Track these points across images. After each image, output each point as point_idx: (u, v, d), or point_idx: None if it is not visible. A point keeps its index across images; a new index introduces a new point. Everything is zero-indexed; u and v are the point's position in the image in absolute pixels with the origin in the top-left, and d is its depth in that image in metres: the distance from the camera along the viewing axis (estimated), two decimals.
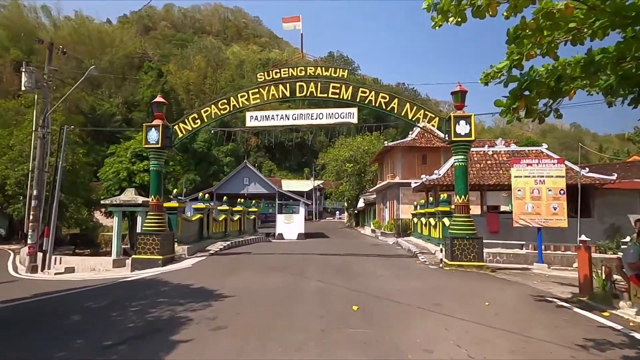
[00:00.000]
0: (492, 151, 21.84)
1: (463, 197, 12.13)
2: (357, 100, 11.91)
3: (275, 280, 9.58)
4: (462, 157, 12.02)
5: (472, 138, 11.63)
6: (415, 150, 32.07)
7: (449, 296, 8.23)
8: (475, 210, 22.40)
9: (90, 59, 68.45)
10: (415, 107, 12.03)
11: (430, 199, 21.09)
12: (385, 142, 38.05)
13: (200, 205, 16.11)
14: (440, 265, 10.86)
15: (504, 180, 19.99)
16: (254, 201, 24.90)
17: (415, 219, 21.71)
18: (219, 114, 13.50)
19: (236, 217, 20.42)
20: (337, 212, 74.13)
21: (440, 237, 15.21)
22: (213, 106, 12.74)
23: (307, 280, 9.53)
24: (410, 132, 35.64)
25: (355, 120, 11.86)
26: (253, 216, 23.66)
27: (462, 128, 11.29)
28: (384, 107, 11.97)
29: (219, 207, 19.14)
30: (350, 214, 60.11)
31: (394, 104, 11.65)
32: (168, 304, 7.47)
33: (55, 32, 71.23)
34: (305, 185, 74.54)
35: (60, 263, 14.77)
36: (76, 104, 55.45)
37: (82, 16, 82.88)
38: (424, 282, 9.19)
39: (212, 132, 65.07)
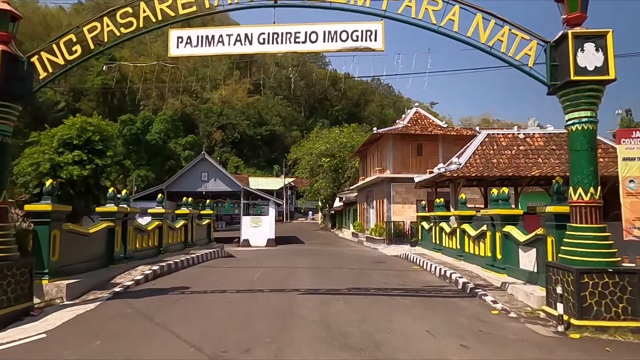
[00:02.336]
0: (524, 134, 16.72)
1: (590, 190, 6.00)
2: (385, 7, 6.19)
3: None
4: (588, 114, 5.91)
5: (611, 77, 5.97)
6: (408, 138, 26.76)
7: None
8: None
9: (32, 41, 59.80)
10: (493, 22, 6.23)
11: (441, 199, 15.71)
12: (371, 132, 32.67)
13: (110, 207, 9.95)
14: (559, 328, 5.24)
15: (547, 170, 14.87)
16: (208, 201, 18.58)
17: (426, 224, 16.25)
18: (118, 34, 7.39)
19: (178, 224, 14.30)
20: (310, 212, 68.39)
21: (487, 254, 9.75)
22: (107, 19, 6.63)
23: None
24: (399, 119, 30.33)
25: (378, 44, 6.14)
26: (207, 221, 17.51)
27: (587, 57, 5.81)
28: (433, 21, 6.33)
29: (150, 210, 13.01)
30: (325, 215, 54.47)
31: (453, 15, 6.05)
32: None
33: None
34: (275, 183, 68.31)
35: None
36: None
37: (25, 2, 73.40)
38: None
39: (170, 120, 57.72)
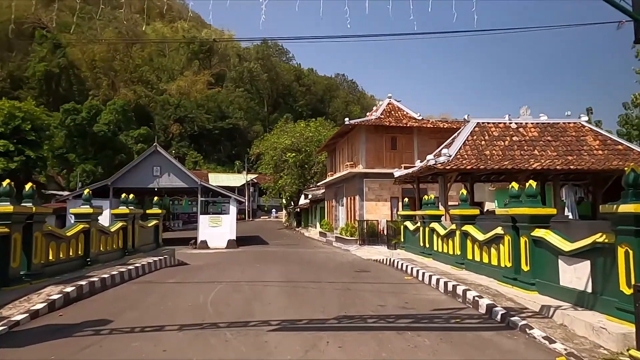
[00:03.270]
0: (517, 124, 15.08)
1: None
2: None
3: None
4: None
5: None
6: (382, 131, 24.85)
7: None
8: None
9: None
10: None
11: (431, 196, 13.76)
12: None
13: (4, 207, 7.09)
14: None
15: (546, 163, 13.26)
16: (155, 198, 15.60)
17: (410, 224, 14.26)
18: None
19: (114, 227, 11.49)
20: (274, 210, 65.67)
21: (504, 264, 7.79)
22: None
23: None
24: (372, 110, 28.40)
25: None
26: (154, 222, 14.67)
27: None
28: None
29: (73, 210, 10.18)
30: (290, 213, 52.03)
31: None
32: None
33: None
34: (237, 179, 65.03)
35: None
36: None
37: None
38: None
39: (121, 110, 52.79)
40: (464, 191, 10.03)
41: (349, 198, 26.63)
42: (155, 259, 12.07)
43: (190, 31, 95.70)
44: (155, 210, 14.95)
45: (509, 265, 7.70)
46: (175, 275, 10.50)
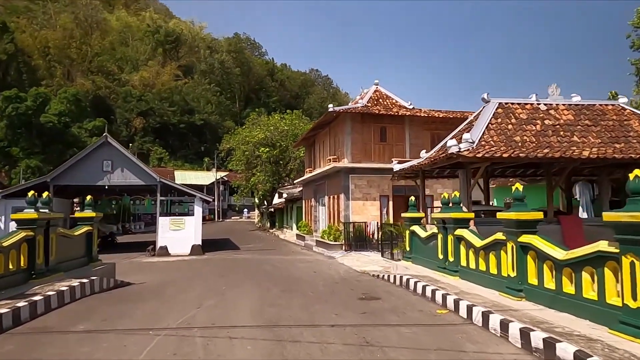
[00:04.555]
0: (546, 105, 12.27)
1: None
2: None
3: None
4: None
5: None
6: (370, 120, 21.80)
7: None
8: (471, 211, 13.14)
9: None
10: None
11: (455, 193, 10.65)
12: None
13: None
14: None
15: (598, 151, 10.49)
16: (88, 198, 11.63)
17: (419, 229, 11.20)
18: None
19: (10, 239, 7.84)
20: (246, 210, 61.76)
21: (625, 300, 4.72)
22: None
23: None
24: (358, 97, 25.29)
25: None
26: (85, 229, 10.97)
27: None
28: None
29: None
30: (263, 213, 48.45)
31: None
32: None
33: None
34: (206, 177, 60.82)
35: None
36: None
37: None
38: None
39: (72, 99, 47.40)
40: (519, 186, 7.03)
41: (331, 197, 23.45)
42: (75, 283, 8.48)
43: (158, 22, 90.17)
44: (87, 213, 11.23)
45: (630, 303, 4.68)
46: (94, 312, 6.97)
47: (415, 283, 8.72)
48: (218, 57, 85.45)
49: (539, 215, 6.95)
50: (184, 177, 57.08)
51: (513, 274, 6.99)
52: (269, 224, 44.25)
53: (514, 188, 7.19)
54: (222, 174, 60.03)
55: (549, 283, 6.24)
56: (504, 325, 5.46)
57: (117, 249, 26.49)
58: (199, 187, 44.62)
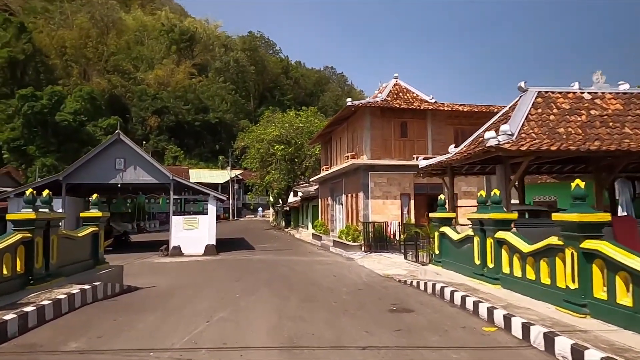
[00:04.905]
0: (590, 94, 11.09)
1: None
2: None
3: None
4: None
5: None
6: (390, 115, 20.76)
7: None
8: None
9: None
10: None
11: (496, 191, 9.60)
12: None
13: None
14: None
15: None
16: (94, 196, 10.85)
17: (451, 231, 10.19)
18: None
19: (6, 241, 7.14)
20: (261, 208, 61.18)
21: None
22: None
23: None
24: (376, 92, 24.25)
25: None
26: (90, 229, 10.26)
27: None
28: None
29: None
30: (278, 212, 47.73)
31: None
32: None
33: None
34: (220, 176, 60.43)
35: None
36: None
37: None
38: None
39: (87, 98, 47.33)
40: (581, 182, 5.98)
41: (349, 195, 22.49)
42: (76, 290, 7.74)
43: (173, 20, 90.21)
44: (92, 212, 10.53)
45: None
46: (92, 326, 6.18)
47: (452, 292, 7.74)
48: (233, 55, 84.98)
49: (607, 217, 5.91)
50: (199, 175, 56.78)
51: (573, 286, 5.95)
52: (284, 223, 43.51)
53: (573, 185, 6.14)
54: (237, 172, 59.55)
55: (624, 299, 5.20)
56: (578, 353, 4.45)
57: (130, 249, 26.02)
58: (213, 186, 44.14)
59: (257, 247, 24.98)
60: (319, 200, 30.23)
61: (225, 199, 26.95)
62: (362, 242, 19.38)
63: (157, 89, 69.38)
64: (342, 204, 24.22)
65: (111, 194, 33.28)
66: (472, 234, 9.10)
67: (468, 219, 9.45)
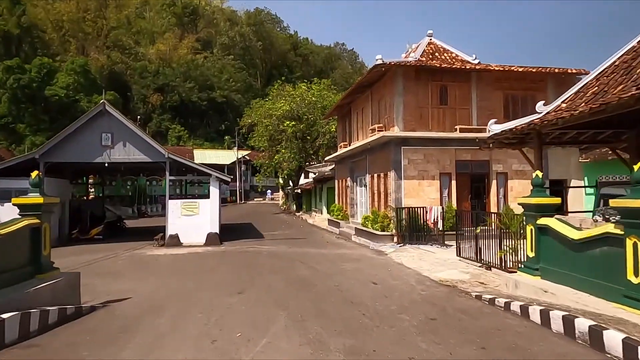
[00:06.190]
0: None
1: None
2: None
3: None
4: None
5: None
6: (426, 77, 17.04)
7: None
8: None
9: None
10: None
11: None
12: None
13: None
14: None
15: None
16: (34, 174, 7.40)
17: (565, 228, 6.57)
18: None
19: None
20: (269, 191, 57.96)
21: None
22: None
23: None
24: (404, 54, 20.43)
25: None
26: (24, 222, 6.92)
27: None
28: None
29: None
30: (288, 194, 44.45)
31: None
32: None
33: None
34: (226, 157, 57.18)
35: None
36: None
37: None
38: None
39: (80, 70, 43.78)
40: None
41: (375, 175, 18.98)
42: None
43: None
44: (31, 198, 7.15)
45: None
46: None
47: (577, 324, 4.28)
48: (238, 29, 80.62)
49: None
50: (204, 156, 53.59)
51: None
52: (294, 207, 40.24)
53: (636, 167, 2.53)
54: (244, 152, 56.22)
55: None
56: None
57: (123, 237, 22.95)
58: (219, 167, 40.85)
59: (266, 235, 21.74)
60: (336, 181, 26.78)
61: (229, 179, 23.58)
62: (394, 231, 15.96)
63: (159, 64, 65.66)
64: (365, 186, 20.75)
65: (105, 175, 30.24)
66: (615, 232, 5.58)
67: (608, 208, 5.91)
